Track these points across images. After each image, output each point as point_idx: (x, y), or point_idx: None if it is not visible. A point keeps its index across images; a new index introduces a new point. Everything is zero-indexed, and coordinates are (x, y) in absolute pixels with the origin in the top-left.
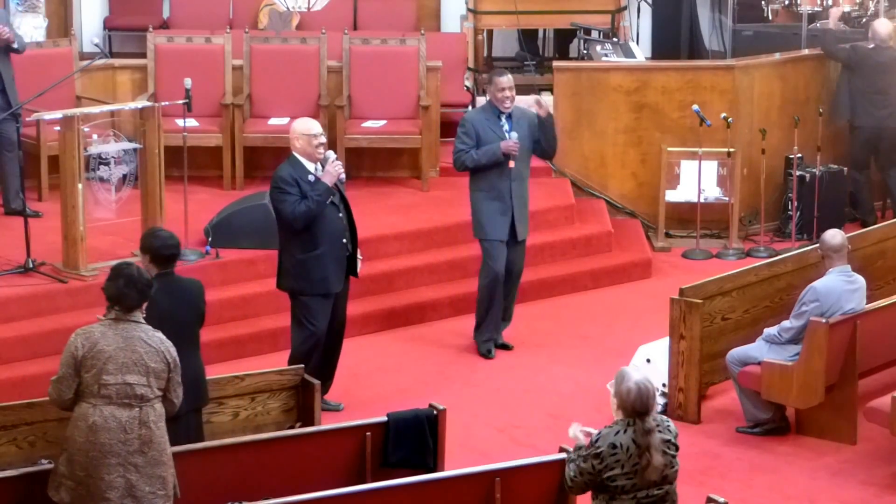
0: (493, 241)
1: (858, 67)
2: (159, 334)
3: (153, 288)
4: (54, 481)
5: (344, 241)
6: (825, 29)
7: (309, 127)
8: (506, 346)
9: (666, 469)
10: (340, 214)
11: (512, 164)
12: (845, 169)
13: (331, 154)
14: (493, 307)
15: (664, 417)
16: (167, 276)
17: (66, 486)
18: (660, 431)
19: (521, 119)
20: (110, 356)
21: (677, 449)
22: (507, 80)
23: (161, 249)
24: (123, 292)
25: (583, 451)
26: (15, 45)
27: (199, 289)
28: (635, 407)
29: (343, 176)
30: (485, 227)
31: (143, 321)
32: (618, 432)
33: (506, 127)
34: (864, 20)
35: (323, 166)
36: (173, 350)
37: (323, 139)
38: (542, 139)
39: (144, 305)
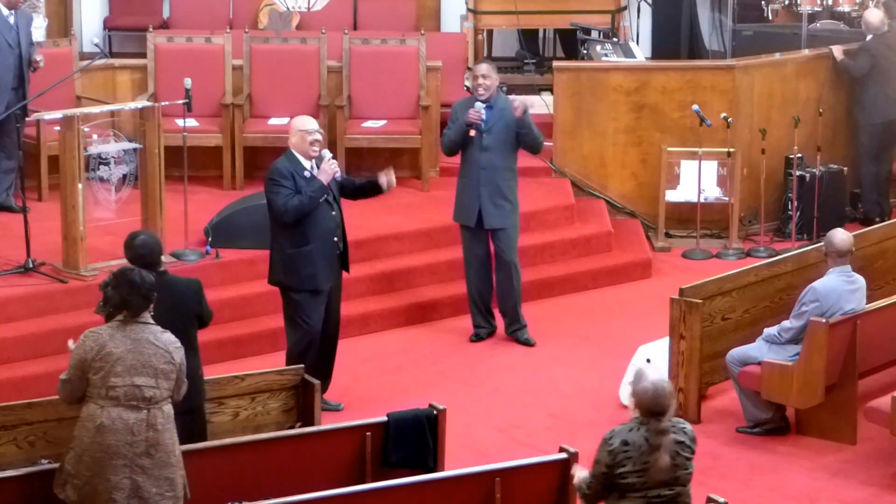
0: (461, 225)
1: (876, 61)
2: (168, 335)
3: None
4: (60, 479)
5: (335, 238)
6: (837, 59)
7: (304, 123)
8: (528, 342)
9: (678, 470)
10: (333, 213)
11: (473, 133)
12: (845, 169)
13: (326, 153)
14: (470, 293)
15: (680, 420)
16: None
17: (73, 484)
18: (674, 433)
19: (505, 110)
20: (119, 358)
21: (693, 452)
22: (481, 67)
23: (129, 255)
24: (128, 299)
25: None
26: (32, 70)
27: (192, 289)
28: (651, 407)
29: (339, 175)
30: (454, 210)
31: (152, 322)
32: (631, 429)
33: (483, 115)
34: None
35: (318, 165)
36: (181, 350)
37: (318, 136)
38: (521, 137)
39: (151, 306)
